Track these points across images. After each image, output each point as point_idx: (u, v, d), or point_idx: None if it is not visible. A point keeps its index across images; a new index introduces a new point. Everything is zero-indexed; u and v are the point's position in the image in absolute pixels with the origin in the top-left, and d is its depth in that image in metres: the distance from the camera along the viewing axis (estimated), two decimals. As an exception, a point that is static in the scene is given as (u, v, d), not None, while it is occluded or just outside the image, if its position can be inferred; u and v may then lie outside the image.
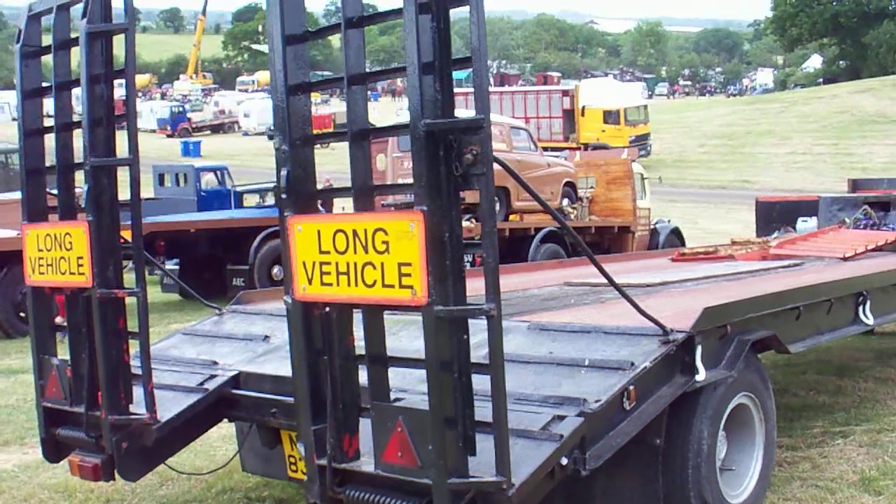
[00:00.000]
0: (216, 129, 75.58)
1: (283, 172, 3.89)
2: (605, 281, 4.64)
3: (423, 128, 3.41)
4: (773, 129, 59.52)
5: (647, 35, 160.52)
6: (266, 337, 5.63)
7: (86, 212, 4.70)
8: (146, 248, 4.91)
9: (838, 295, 6.46)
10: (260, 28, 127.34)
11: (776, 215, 12.58)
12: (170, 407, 4.97)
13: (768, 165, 50.67)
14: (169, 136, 67.31)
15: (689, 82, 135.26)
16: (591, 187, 20.44)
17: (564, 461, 3.88)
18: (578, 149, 38.06)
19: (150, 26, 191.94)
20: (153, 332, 4.75)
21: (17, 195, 17.64)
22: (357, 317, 3.87)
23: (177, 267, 17.66)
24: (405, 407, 3.69)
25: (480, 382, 3.52)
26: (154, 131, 67.17)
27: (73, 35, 4.91)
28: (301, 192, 3.93)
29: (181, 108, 76.79)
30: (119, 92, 4.84)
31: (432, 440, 3.49)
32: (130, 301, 4.69)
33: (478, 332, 3.58)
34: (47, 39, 5.06)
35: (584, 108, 48.74)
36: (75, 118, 4.99)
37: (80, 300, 4.86)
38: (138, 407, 4.74)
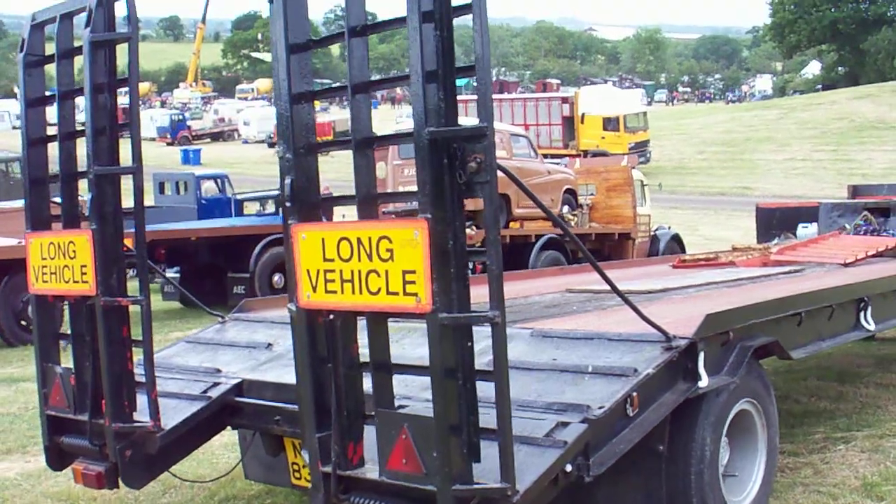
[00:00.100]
0: (216, 137, 75.64)
1: (287, 181, 3.90)
2: (606, 288, 4.65)
3: (427, 136, 3.42)
4: (772, 136, 59.58)
5: (646, 42, 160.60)
6: (269, 345, 5.64)
7: (89, 220, 4.71)
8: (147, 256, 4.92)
9: (839, 301, 6.47)
10: (259, 36, 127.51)
11: (776, 222, 12.58)
12: (173, 415, 4.98)
13: (768, 172, 50.70)
14: (169, 144, 67.33)
15: (688, 89, 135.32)
16: (592, 194, 20.46)
17: (568, 468, 3.89)
18: (578, 156, 38.11)
19: (149, 35, 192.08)
20: (154, 341, 4.75)
21: (18, 204, 17.62)
22: (360, 324, 3.89)
23: (177, 275, 17.67)
24: (410, 414, 3.70)
25: (484, 389, 3.54)
26: (154, 139, 67.17)
27: (76, 44, 4.93)
28: (305, 201, 3.94)
29: (181, 117, 76.84)
30: (121, 100, 4.86)
31: (437, 447, 3.50)
32: (133, 309, 4.70)
33: (481, 339, 3.58)
34: (50, 48, 5.08)
35: (583, 115, 48.79)
36: (78, 127, 5.01)
37: (83, 308, 4.87)
38: (142, 415, 4.75)
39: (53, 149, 5.08)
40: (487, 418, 3.52)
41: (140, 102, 5.24)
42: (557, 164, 22.16)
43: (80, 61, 4.84)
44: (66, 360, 5.08)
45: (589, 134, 48.47)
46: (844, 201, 12.94)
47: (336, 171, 18.42)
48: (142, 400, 4.75)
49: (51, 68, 5.14)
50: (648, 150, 50.49)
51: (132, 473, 4.87)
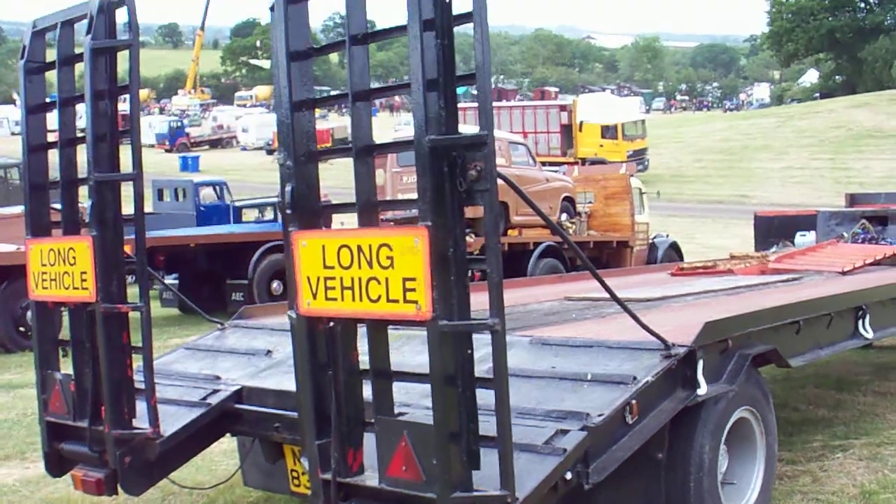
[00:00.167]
0: (214, 143, 75.65)
1: (288, 188, 3.91)
2: (605, 295, 4.66)
3: (428, 144, 3.43)
4: (770, 144, 59.67)
5: (645, 50, 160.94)
6: (268, 352, 5.65)
7: (90, 227, 4.72)
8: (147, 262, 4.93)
9: (838, 309, 6.49)
10: (258, 43, 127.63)
11: (775, 230, 12.61)
12: (173, 421, 4.98)
13: (766, 180, 50.78)
14: (167, 150, 67.37)
15: (686, 97, 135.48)
16: (590, 202, 20.49)
17: (568, 475, 3.90)
18: (576, 163, 38.15)
19: (148, 41, 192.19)
20: (153, 347, 4.76)
21: (17, 209, 17.64)
22: (360, 331, 3.89)
23: (176, 281, 17.68)
24: (410, 421, 3.70)
25: (484, 397, 3.54)
26: (152, 146, 67.16)
27: (77, 51, 4.95)
28: (305, 208, 3.95)
29: (179, 123, 76.87)
30: (121, 107, 4.88)
31: (437, 454, 3.51)
32: (133, 315, 4.71)
33: (480, 346, 3.59)
34: (51, 55, 5.09)
35: (581, 122, 48.89)
36: (78, 133, 5.02)
37: (83, 315, 4.88)
38: (141, 421, 4.76)
39: (53, 155, 5.09)
40: (487, 426, 3.52)
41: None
42: (556, 171, 22.18)
43: (80, 68, 4.86)
44: (66, 367, 5.09)
45: (587, 142, 48.56)
46: (842, 210, 12.97)
47: (334, 177, 18.40)
48: (141, 406, 4.76)
49: (51, 75, 5.15)
50: (646, 158, 50.57)
51: (131, 480, 4.87)
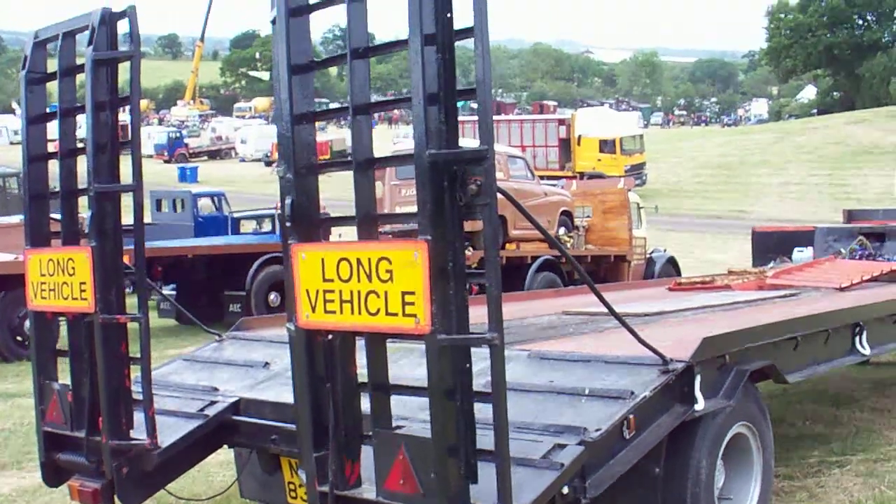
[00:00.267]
0: (213, 154, 75.67)
1: (288, 201, 3.92)
2: (603, 310, 4.67)
3: (428, 158, 3.44)
4: (768, 159, 59.78)
5: (643, 65, 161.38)
6: (266, 364, 5.65)
7: (89, 237, 4.73)
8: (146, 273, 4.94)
9: (835, 325, 6.49)
10: (257, 55, 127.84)
11: (772, 245, 12.62)
12: (170, 433, 4.98)
13: (763, 195, 50.86)
14: (166, 161, 67.38)
15: (684, 112, 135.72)
16: (588, 216, 20.51)
17: (565, 490, 3.90)
18: (574, 177, 38.20)
19: (148, 52, 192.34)
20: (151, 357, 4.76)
21: (15, 219, 17.54)
22: (359, 343, 3.90)
23: (173, 292, 17.66)
24: (407, 434, 3.70)
25: (481, 410, 3.55)
26: (151, 156, 67.18)
27: (78, 62, 4.96)
28: (305, 221, 3.96)
29: (178, 134, 76.87)
30: (121, 116, 4.89)
31: (434, 468, 3.51)
32: (131, 326, 4.71)
33: (478, 360, 3.60)
34: (52, 66, 5.11)
35: (580, 137, 48.95)
36: (78, 144, 5.03)
37: (81, 325, 4.88)
38: (139, 432, 4.76)
39: (52, 165, 5.10)
40: (485, 439, 3.53)
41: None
42: (554, 185, 22.22)
43: (81, 78, 4.87)
44: (64, 377, 5.09)
45: (585, 156, 48.61)
46: (840, 226, 13.00)
47: (332, 189, 18.41)
48: (139, 417, 4.76)
49: (51, 84, 5.16)
50: (644, 173, 50.63)
51: (128, 491, 4.86)
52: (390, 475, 3.67)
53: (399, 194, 16.77)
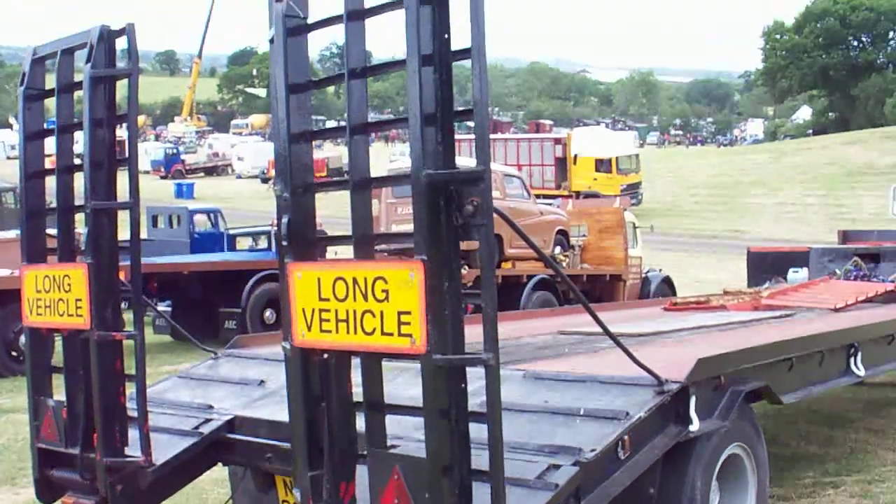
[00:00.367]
0: (210, 171, 75.67)
1: (284, 220, 3.92)
2: (598, 330, 4.68)
3: (425, 178, 3.45)
4: (763, 180, 59.91)
5: (639, 84, 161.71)
6: (262, 381, 5.64)
7: (85, 254, 4.73)
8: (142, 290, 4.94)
9: (830, 346, 6.51)
10: (255, 72, 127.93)
11: (767, 266, 12.65)
12: (165, 450, 4.97)
13: (759, 215, 50.92)
14: (163, 177, 67.37)
15: (680, 132, 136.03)
16: (584, 235, 20.53)
17: (560, 510, 3.89)
18: (570, 197, 38.22)
19: (146, 68, 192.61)
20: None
21: (11, 234, 17.48)
22: (354, 362, 3.90)
23: (169, 308, 17.64)
24: (402, 455, 3.70)
25: (476, 430, 3.55)
26: (148, 172, 67.19)
27: (76, 78, 4.97)
28: (301, 240, 3.97)
29: (175, 150, 76.94)
30: (119, 132, 4.90)
31: (429, 488, 3.51)
32: (126, 342, 4.71)
33: (474, 379, 3.60)
34: (50, 82, 5.12)
35: (576, 156, 49.00)
36: (75, 160, 5.04)
37: (77, 342, 4.88)
38: (133, 449, 4.75)
39: (49, 181, 5.11)
40: (479, 459, 3.52)
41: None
42: (550, 204, 22.24)
43: (79, 95, 4.88)
44: (59, 393, 5.08)
45: (581, 175, 48.65)
46: (835, 247, 13.03)
47: (327, 207, 18.44)
48: (133, 434, 4.75)
49: (49, 100, 5.18)
50: (640, 192, 50.68)
51: (122, 508, 4.85)
52: (385, 495, 3.66)
53: (395, 212, 16.79)
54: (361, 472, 3.85)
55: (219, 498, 6.68)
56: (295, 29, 3.93)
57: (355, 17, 3.75)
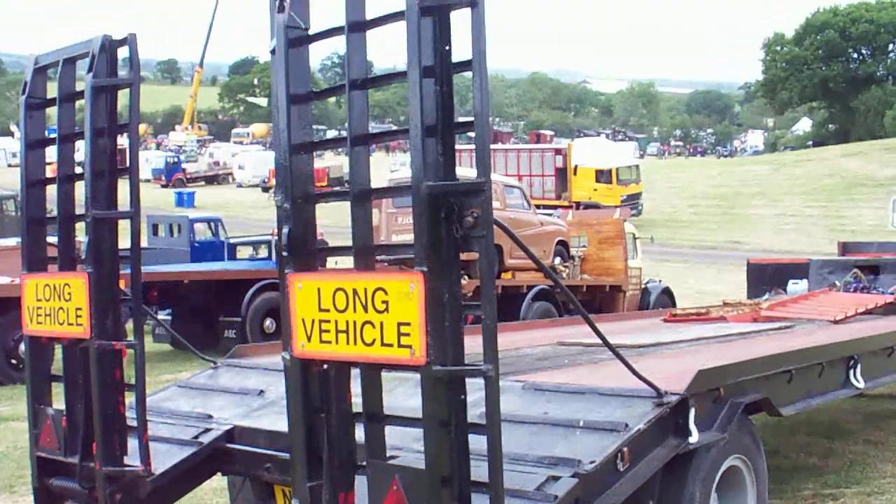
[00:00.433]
0: (210, 180, 75.68)
1: (285, 230, 3.93)
2: (598, 341, 4.68)
3: (426, 190, 3.46)
4: (763, 191, 59.92)
5: (640, 95, 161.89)
6: (261, 391, 5.64)
7: (85, 263, 4.74)
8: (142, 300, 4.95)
9: (830, 358, 6.51)
10: (256, 81, 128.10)
11: (767, 277, 12.65)
12: (164, 459, 4.97)
13: (759, 226, 50.90)
14: (163, 186, 67.37)
15: (680, 143, 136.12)
16: (584, 246, 20.53)
17: (558, 522, 3.89)
18: (571, 207, 38.22)
19: (147, 77, 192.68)
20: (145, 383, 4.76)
21: (12, 241, 17.44)
22: (353, 372, 3.90)
23: (169, 317, 17.64)
24: (401, 465, 3.70)
25: (476, 441, 3.55)
26: (148, 181, 67.22)
27: (78, 86, 4.98)
28: (302, 250, 3.97)
29: (176, 159, 76.93)
30: (119, 140, 4.91)
31: (428, 499, 3.51)
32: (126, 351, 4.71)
33: (473, 390, 3.60)
34: (51, 90, 5.13)
35: (576, 166, 49.01)
36: (77, 169, 5.05)
37: (77, 351, 4.88)
38: (132, 459, 4.74)
39: (50, 189, 5.12)
40: (479, 471, 3.52)
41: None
42: (550, 215, 22.25)
43: (81, 104, 4.89)
44: (58, 402, 5.08)
45: (581, 186, 48.66)
46: (835, 258, 13.03)
47: (328, 216, 18.44)
48: (133, 444, 4.75)
49: (51, 109, 5.19)
50: (640, 203, 50.67)
51: (121, 518, 4.85)
52: (384, 505, 3.67)
53: (395, 222, 16.80)
54: (360, 483, 3.85)
55: (217, 508, 6.68)
56: (296, 40, 3.95)
57: (357, 28, 3.77)
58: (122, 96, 4.80)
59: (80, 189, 4.88)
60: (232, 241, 24.66)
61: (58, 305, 4.87)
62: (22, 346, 11.37)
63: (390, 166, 54.65)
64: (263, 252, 22.97)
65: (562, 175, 49.02)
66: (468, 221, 3.44)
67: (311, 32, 3.98)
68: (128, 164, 4.75)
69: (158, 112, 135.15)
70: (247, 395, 5.66)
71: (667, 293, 21.62)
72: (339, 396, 3.89)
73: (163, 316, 17.26)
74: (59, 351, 5.27)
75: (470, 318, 5.00)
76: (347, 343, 3.69)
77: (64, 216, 5.00)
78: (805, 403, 6.23)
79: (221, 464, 5.27)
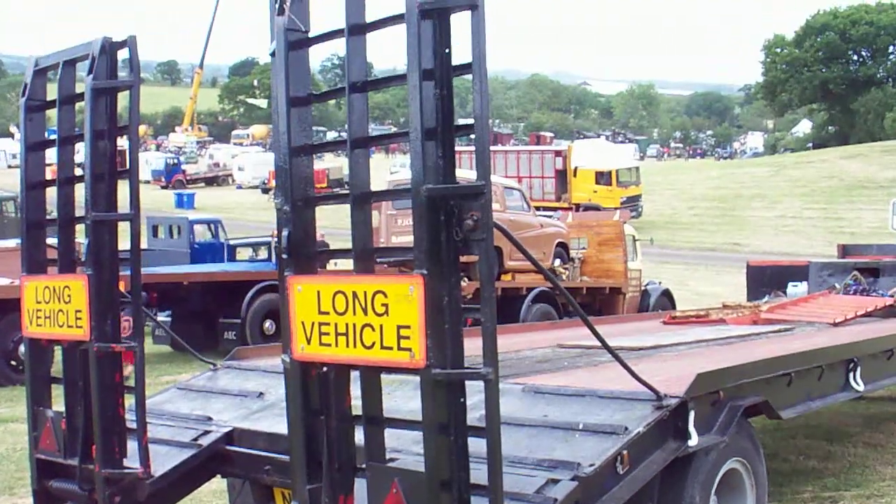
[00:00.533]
0: (210, 181, 75.67)
1: (285, 233, 3.93)
2: (598, 343, 4.68)
3: (425, 192, 3.46)
4: (763, 193, 59.92)
5: (640, 97, 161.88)
6: (261, 394, 5.64)
7: (85, 265, 4.74)
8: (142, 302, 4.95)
9: (829, 361, 6.51)
10: (256, 83, 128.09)
11: (767, 280, 12.65)
12: (163, 462, 4.98)
13: (759, 228, 50.92)
14: (163, 187, 67.37)
15: (680, 145, 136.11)
16: (583, 248, 20.53)
17: (558, 525, 3.89)
18: (570, 209, 38.22)
19: (147, 78, 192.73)
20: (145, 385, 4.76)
21: (12, 243, 17.45)
22: (353, 375, 3.90)
23: (168, 319, 17.64)
24: (401, 468, 3.70)
25: (475, 444, 3.55)
26: (148, 182, 67.21)
27: (78, 88, 4.98)
28: (301, 253, 3.97)
29: (176, 160, 76.92)
30: (119, 142, 4.91)
31: (428, 502, 3.51)
32: (126, 354, 4.71)
33: (473, 393, 3.60)
34: (51, 92, 5.13)
35: (576, 168, 49.00)
36: (76, 171, 5.05)
37: (77, 353, 4.88)
38: (132, 461, 4.74)
39: (50, 191, 5.12)
40: (478, 474, 3.52)
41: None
42: (550, 217, 22.25)
43: (80, 106, 4.89)
44: (58, 404, 5.08)
45: (581, 187, 48.65)
46: (834, 261, 13.04)
47: (327, 218, 18.44)
48: (132, 446, 4.75)
49: (50, 111, 5.19)
50: (640, 205, 50.67)
51: (120, 520, 4.84)
52: (383, 508, 3.66)
53: (395, 224, 16.79)
54: (360, 486, 3.85)
55: (217, 510, 6.67)
56: (296, 43, 3.95)
57: (356, 31, 3.77)
58: (122, 98, 4.80)
59: (79, 191, 4.88)
60: (232, 242, 24.64)
61: (57, 307, 4.87)
62: (22, 348, 11.37)
63: (390, 168, 54.68)
64: (263, 254, 22.97)
65: (561, 177, 49.01)
66: (468, 224, 3.44)
67: (311, 35, 3.98)
68: (128, 166, 4.76)
69: (158, 113, 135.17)
70: (246, 398, 5.66)
71: (666, 295, 21.63)
72: (338, 399, 3.89)
73: (162, 318, 17.26)
74: (58, 353, 5.28)
75: (469, 321, 5.00)
76: (347, 346, 3.69)
77: (64, 218, 5.00)
78: (805, 406, 6.23)
79: (221, 466, 5.27)
